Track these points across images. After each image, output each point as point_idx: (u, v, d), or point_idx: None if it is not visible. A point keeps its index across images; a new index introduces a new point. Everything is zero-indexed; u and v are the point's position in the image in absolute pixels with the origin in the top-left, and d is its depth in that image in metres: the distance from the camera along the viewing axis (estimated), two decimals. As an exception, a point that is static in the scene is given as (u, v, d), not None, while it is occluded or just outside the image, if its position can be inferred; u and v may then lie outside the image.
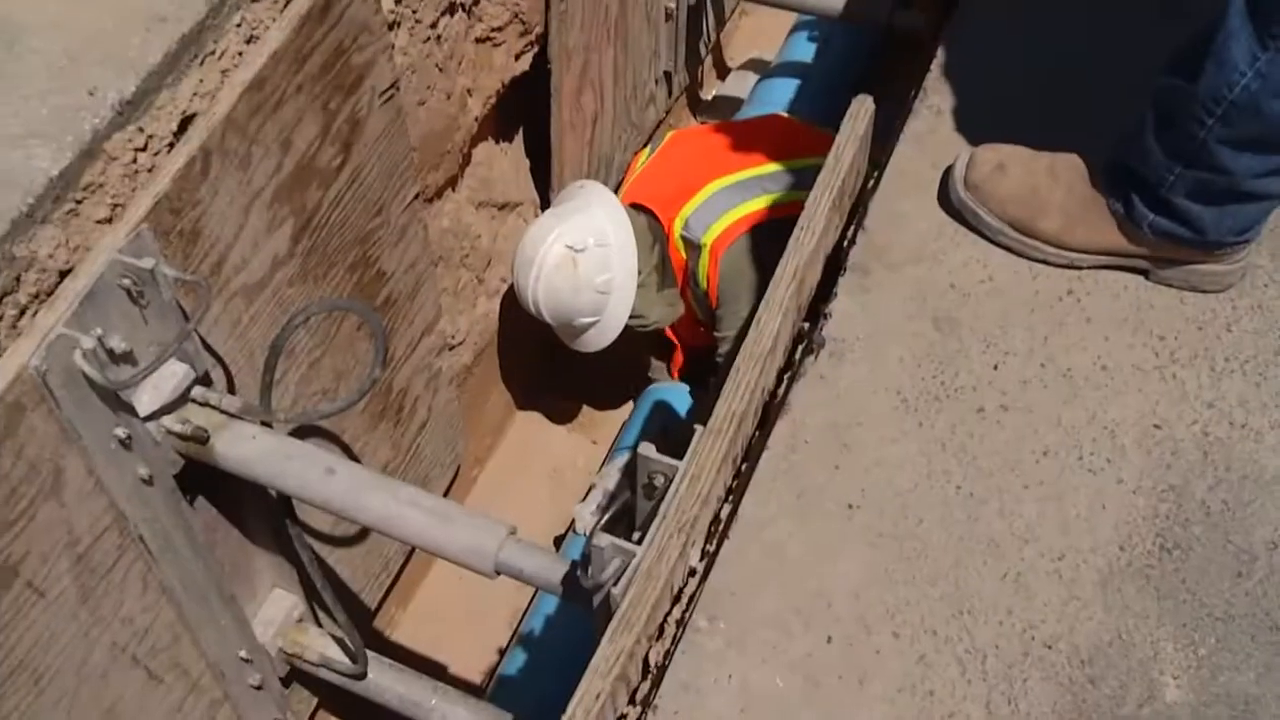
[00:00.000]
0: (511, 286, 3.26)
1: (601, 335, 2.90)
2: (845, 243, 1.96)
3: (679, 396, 3.12)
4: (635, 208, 2.85)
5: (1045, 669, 1.54)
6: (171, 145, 1.67)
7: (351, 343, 2.22)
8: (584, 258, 2.75)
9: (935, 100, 2.08)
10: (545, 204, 3.25)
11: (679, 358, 3.18)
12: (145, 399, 1.64)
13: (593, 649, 1.45)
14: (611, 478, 2.99)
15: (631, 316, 2.86)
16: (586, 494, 3.08)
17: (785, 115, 3.23)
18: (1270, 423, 1.70)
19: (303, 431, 2.12)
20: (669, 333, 3.07)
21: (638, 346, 3.11)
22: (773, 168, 2.79)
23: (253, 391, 1.90)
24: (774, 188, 2.74)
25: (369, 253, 2.18)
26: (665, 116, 3.86)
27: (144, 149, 1.64)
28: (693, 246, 2.76)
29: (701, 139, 2.99)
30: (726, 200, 2.74)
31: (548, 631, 2.81)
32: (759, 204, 2.72)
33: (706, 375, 2.94)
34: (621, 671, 1.43)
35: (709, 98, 4.13)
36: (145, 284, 1.57)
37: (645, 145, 3.60)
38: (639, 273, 2.81)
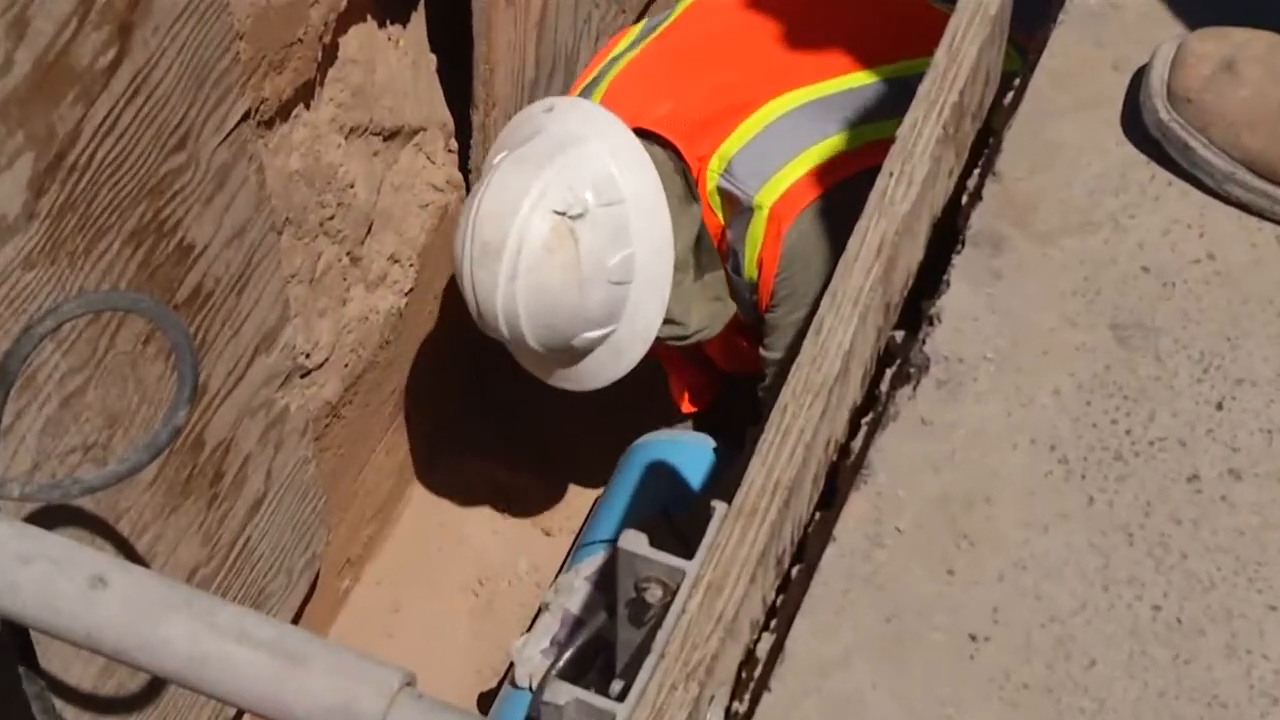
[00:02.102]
0: (419, 274, 3.27)
1: (617, 356, 2.84)
2: (965, 197, 1.97)
3: (690, 454, 3.14)
4: (640, 136, 2.83)
5: None
6: None
7: (134, 365, 2.22)
8: (586, 227, 2.70)
9: (1118, -45, 2.10)
10: (464, 128, 3.26)
11: (679, 383, 3.18)
12: None
13: None
14: (575, 592, 3.00)
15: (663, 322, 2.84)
16: (534, 619, 3.09)
17: None
18: None
19: (51, 516, 2.12)
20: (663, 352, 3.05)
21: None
22: (871, 76, 2.78)
23: (-34, 447, 1.91)
24: (876, 112, 2.72)
25: (164, 212, 2.19)
26: (668, -19, 3.88)
27: None
28: (738, 206, 2.74)
29: (742, 15, 2.99)
30: (797, 133, 2.73)
31: None
32: (850, 141, 2.71)
33: (744, 421, 2.94)
34: None
35: (742, -51, 4.15)
36: None
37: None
38: (673, 244, 2.79)
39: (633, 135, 2.76)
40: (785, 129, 2.72)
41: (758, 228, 2.71)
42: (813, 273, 2.67)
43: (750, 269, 2.75)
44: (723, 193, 2.75)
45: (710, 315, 2.89)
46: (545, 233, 2.67)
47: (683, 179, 2.77)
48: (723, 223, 2.79)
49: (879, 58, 2.77)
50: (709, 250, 2.84)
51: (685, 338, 2.89)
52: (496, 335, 2.79)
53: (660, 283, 2.77)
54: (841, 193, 2.64)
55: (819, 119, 2.73)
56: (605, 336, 2.80)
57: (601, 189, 2.70)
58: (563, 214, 2.67)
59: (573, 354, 2.83)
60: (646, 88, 2.85)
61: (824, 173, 2.68)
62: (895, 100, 2.71)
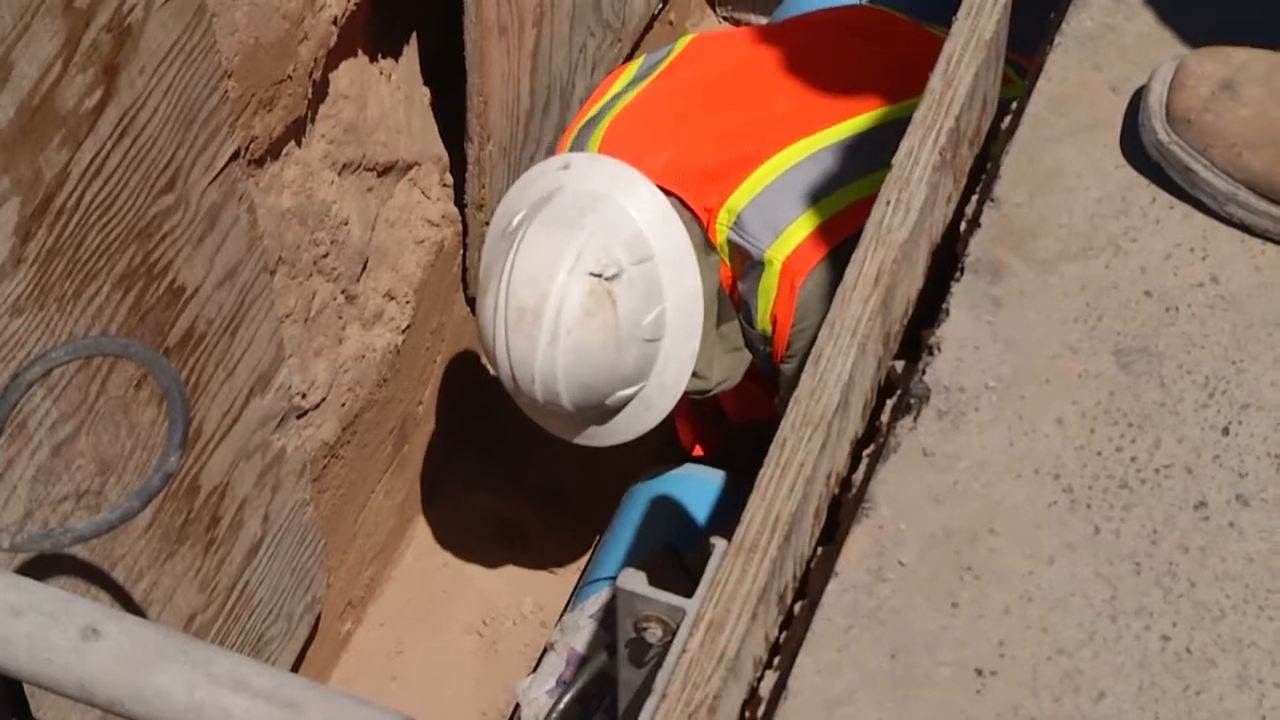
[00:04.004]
0: (416, 311, 3.28)
1: (645, 410, 2.85)
2: (963, 224, 1.97)
3: (695, 489, 3.14)
4: None
5: None
6: None
7: (127, 410, 2.23)
8: (622, 287, 2.69)
9: (1115, -25, 2.11)
10: (458, 162, 3.27)
11: (688, 432, 3.18)
12: None
13: None
14: (581, 630, 3.01)
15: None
16: (539, 661, 3.09)
17: (878, 8, 3.24)
18: None
19: (43, 566, 2.12)
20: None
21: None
22: (879, 117, 2.77)
23: (-44, 497, 1.91)
24: (888, 155, 2.71)
25: (154, 254, 2.20)
26: (663, 9, 3.90)
27: None
28: (748, 260, 2.74)
29: (743, 54, 2.99)
30: (807, 185, 2.72)
31: None
32: (863, 189, 2.70)
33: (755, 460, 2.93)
34: None
35: (739, -24, 4.17)
36: None
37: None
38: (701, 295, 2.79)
39: (655, 189, 2.75)
40: (795, 180, 2.72)
41: (770, 282, 2.71)
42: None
43: (764, 322, 2.75)
44: (732, 245, 2.75)
45: (730, 367, 2.89)
46: (584, 295, 2.67)
47: (699, 227, 2.77)
48: (731, 273, 2.79)
49: (886, 95, 2.77)
50: (725, 300, 2.84)
51: (707, 391, 2.89)
52: (528, 399, 2.79)
53: (690, 335, 2.78)
54: (856, 245, 2.63)
55: (830, 168, 2.73)
56: (637, 393, 2.80)
57: (633, 247, 2.70)
58: (599, 275, 2.67)
59: (603, 412, 2.83)
60: (646, 133, 2.85)
61: (837, 224, 2.66)
62: None
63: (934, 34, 2.92)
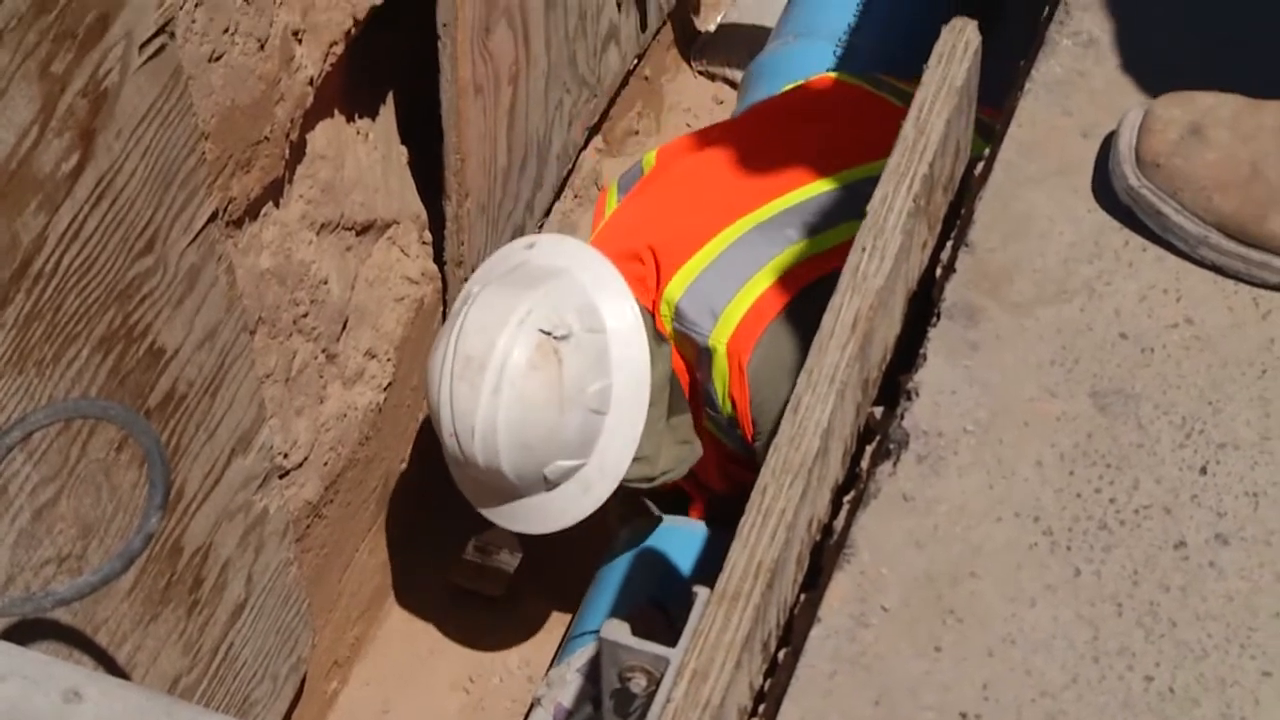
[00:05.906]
0: (396, 369, 3.28)
1: (584, 492, 2.86)
2: (939, 270, 1.98)
3: (680, 540, 3.14)
4: None
5: None
6: None
7: (108, 473, 2.23)
8: (570, 349, 2.73)
9: (1084, 23, 2.12)
10: (437, 219, 3.28)
11: (699, 509, 3.19)
12: None
13: None
14: (567, 685, 3.00)
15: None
16: (526, 716, 3.08)
17: (840, 77, 3.25)
18: None
19: (28, 630, 2.12)
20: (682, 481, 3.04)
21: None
22: (816, 187, 2.80)
23: (-62, 562, 1.91)
24: (822, 222, 2.74)
25: (134, 317, 2.20)
26: (637, 65, 3.91)
27: None
28: (698, 349, 2.77)
29: (696, 157, 3.01)
30: (741, 262, 2.76)
31: None
32: (799, 255, 2.72)
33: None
34: None
35: (711, 28, 4.19)
36: None
37: (605, 113, 3.63)
38: (649, 381, 2.81)
39: (616, 271, 2.80)
40: (725, 264, 2.77)
41: (720, 366, 2.74)
42: (784, 395, 2.67)
43: (725, 405, 2.78)
44: (679, 335, 2.78)
45: (678, 458, 2.91)
46: (530, 349, 2.71)
47: (651, 319, 2.81)
48: (685, 363, 2.82)
49: (815, 171, 2.82)
50: (678, 391, 2.87)
51: (652, 479, 2.90)
52: (467, 460, 2.79)
53: (634, 419, 2.80)
54: (794, 311, 2.67)
55: (763, 243, 2.77)
56: (576, 469, 2.81)
57: (585, 315, 2.75)
58: (548, 334, 2.70)
59: (541, 485, 2.83)
60: (622, 237, 2.91)
61: (774, 295, 2.71)
62: (841, 207, 2.72)
63: (890, 103, 2.94)
